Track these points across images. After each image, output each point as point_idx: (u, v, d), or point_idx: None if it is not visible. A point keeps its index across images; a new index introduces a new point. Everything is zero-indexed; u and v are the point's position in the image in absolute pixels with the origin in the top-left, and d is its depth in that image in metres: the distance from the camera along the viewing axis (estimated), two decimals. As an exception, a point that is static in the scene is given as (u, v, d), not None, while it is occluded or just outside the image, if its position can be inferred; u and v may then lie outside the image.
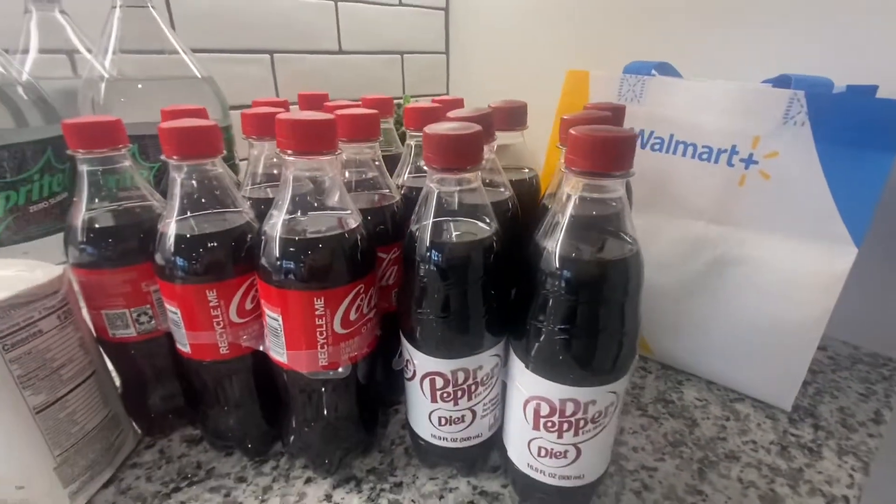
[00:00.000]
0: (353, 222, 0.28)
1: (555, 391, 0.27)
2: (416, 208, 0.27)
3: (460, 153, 0.25)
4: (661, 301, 0.45)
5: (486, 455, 0.35)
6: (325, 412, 0.32)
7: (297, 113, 0.27)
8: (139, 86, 0.44)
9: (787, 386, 0.40)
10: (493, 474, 0.35)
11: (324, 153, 0.27)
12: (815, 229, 0.38)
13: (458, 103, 0.40)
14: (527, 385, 0.28)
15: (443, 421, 0.31)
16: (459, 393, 0.30)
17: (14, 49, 0.47)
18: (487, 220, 0.28)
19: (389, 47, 0.81)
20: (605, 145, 0.23)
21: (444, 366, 0.29)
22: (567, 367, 0.26)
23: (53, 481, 0.30)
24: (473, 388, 0.30)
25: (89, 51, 0.49)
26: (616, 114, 0.34)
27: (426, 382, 0.30)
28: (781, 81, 0.39)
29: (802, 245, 0.38)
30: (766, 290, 0.40)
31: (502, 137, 0.36)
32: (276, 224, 0.27)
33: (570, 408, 0.27)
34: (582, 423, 0.27)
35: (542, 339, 0.26)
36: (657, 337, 0.47)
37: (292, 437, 0.34)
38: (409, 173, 0.37)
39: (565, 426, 0.27)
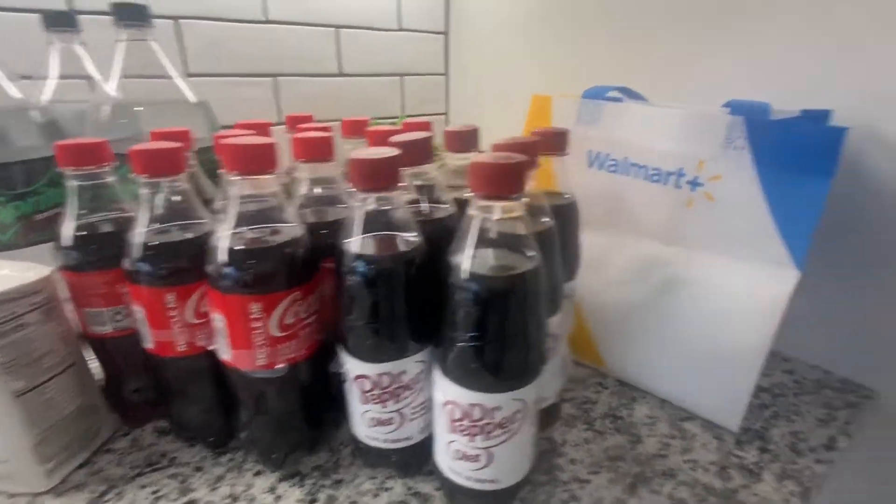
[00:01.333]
0: (289, 235, 0.31)
1: (464, 396, 0.29)
2: (345, 223, 0.30)
3: (376, 175, 0.28)
4: (615, 318, 0.46)
5: (420, 458, 0.36)
6: (270, 409, 0.35)
7: (240, 137, 0.30)
8: (139, 108, 0.49)
9: (734, 407, 0.40)
10: (428, 477, 0.36)
11: (264, 173, 0.30)
12: (756, 252, 0.38)
13: (425, 126, 0.43)
14: (443, 390, 0.30)
15: (373, 422, 0.33)
16: (386, 396, 0.32)
17: (37, 75, 0.53)
18: (411, 235, 0.30)
19: (389, 69, 0.85)
20: (493, 172, 0.25)
21: (370, 369, 0.31)
22: (472, 373, 0.28)
23: (32, 458, 0.34)
24: (400, 391, 0.32)
25: (100, 77, 0.55)
26: (550, 138, 0.36)
27: (356, 385, 0.32)
28: (731, 106, 0.40)
29: (745, 267, 0.39)
30: (711, 311, 0.40)
31: (456, 159, 0.39)
32: (220, 236, 0.30)
33: (477, 412, 0.29)
34: (490, 427, 0.29)
35: (451, 347, 0.28)
36: (612, 353, 0.47)
37: (243, 433, 0.37)
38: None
39: (475, 430, 0.29)
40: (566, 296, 0.44)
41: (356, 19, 0.78)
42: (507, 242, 0.28)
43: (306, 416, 0.37)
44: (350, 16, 0.77)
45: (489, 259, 0.27)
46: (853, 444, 0.42)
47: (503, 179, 0.25)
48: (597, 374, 0.50)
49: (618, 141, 0.44)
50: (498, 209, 0.26)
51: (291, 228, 0.32)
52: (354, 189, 0.28)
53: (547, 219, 0.35)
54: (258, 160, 0.30)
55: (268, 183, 0.31)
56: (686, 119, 0.40)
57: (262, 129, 0.45)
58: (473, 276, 0.27)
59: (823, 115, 0.41)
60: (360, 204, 0.29)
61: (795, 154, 0.36)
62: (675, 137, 0.41)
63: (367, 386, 0.32)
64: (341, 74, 0.80)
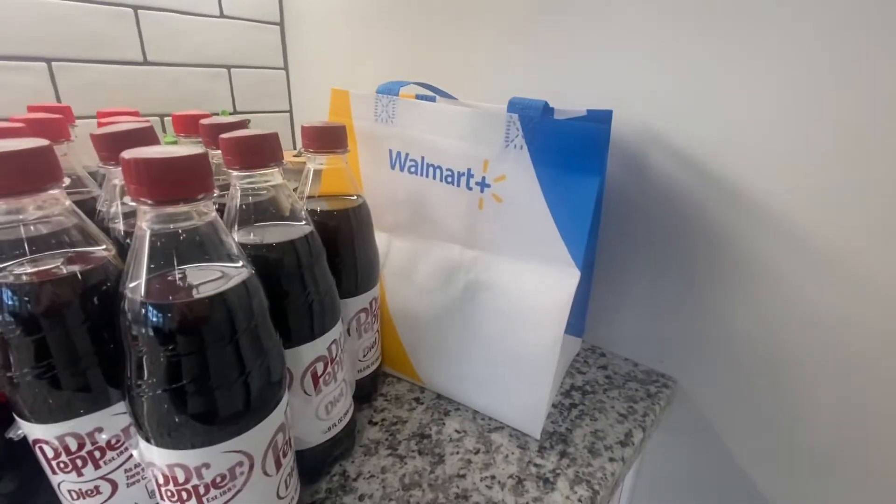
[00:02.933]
0: None
1: (160, 455, 0.23)
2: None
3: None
4: (425, 328, 0.43)
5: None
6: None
7: None
8: None
9: (535, 413, 0.39)
10: (174, 546, 0.30)
11: None
12: (543, 253, 0.37)
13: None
14: (140, 448, 0.24)
15: (74, 495, 0.26)
16: (80, 462, 0.25)
17: None
18: (68, 257, 0.24)
19: (212, 60, 0.76)
20: (150, 170, 0.19)
21: (45, 432, 0.24)
22: (160, 426, 0.22)
23: None
24: (98, 454, 0.25)
25: None
26: (312, 133, 0.32)
27: (38, 451, 0.25)
28: (509, 104, 0.39)
29: (534, 268, 0.38)
30: (508, 315, 0.39)
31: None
32: None
33: (181, 474, 0.23)
34: (202, 489, 0.23)
35: (131, 394, 0.22)
36: (425, 366, 0.44)
37: None
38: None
39: (184, 495, 0.23)
40: (360, 310, 0.40)
41: (158, 0, 0.67)
42: (194, 257, 0.22)
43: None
44: (150, -5, 0.67)
45: (163, 283, 0.22)
46: (647, 436, 0.43)
47: (165, 179, 0.20)
48: (415, 388, 0.46)
49: (414, 140, 0.41)
50: (166, 217, 0.21)
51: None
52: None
53: (304, 224, 0.30)
54: None
55: None
56: (467, 118, 0.38)
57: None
58: (141, 305, 0.21)
59: (606, 115, 0.42)
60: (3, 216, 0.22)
61: (565, 153, 0.35)
62: (461, 136, 0.38)
63: (50, 452, 0.25)
64: (146, 63, 0.69)
